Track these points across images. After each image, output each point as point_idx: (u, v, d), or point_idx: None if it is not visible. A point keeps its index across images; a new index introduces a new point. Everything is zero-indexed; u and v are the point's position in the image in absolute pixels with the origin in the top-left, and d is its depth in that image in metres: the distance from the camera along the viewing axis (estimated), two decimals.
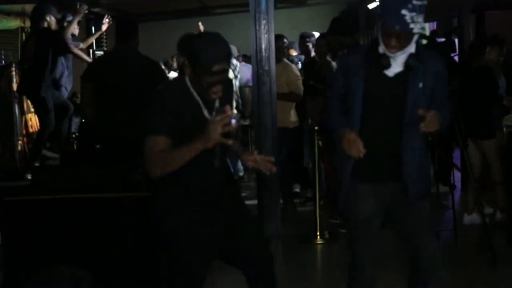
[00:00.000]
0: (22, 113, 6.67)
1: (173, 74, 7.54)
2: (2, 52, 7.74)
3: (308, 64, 6.84)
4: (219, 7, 11.77)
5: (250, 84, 7.43)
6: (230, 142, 2.67)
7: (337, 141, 3.01)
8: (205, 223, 2.83)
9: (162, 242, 2.96)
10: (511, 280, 4.54)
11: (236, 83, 7.60)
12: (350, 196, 3.08)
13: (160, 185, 2.86)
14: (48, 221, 3.67)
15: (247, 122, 7.51)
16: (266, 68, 4.43)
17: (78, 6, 6.52)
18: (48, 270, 1.84)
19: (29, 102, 6.64)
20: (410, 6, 2.74)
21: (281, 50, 6.26)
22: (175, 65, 9.76)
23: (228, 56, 2.77)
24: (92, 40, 7.85)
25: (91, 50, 8.56)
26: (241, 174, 8.04)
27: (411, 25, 2.76)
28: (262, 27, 4.38)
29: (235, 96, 7.22)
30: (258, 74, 4.44)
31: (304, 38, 6.92)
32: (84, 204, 3.66)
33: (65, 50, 6.47)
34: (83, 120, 6.92)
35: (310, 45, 6.78)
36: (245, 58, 9.39)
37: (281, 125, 5.05)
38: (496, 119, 5.78)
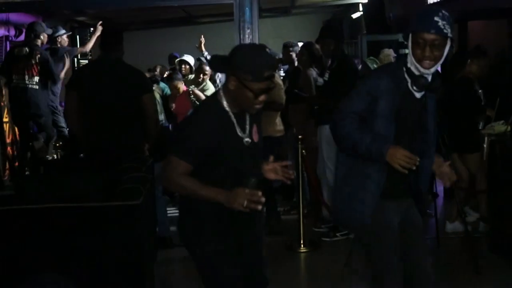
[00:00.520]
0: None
1: (162, 85, 7.55)
2: None
3: (292, 73, 6.87)
4: (204, 16, 11.79)
5: None
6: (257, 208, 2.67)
7: (366, 156, 2.95)
8: (233, 252, 2.89)
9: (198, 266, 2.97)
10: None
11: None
12: (376, 211, 3.05)
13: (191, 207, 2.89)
14: (32, 230, 3.65)
15: None
16: None
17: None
18: (32, 280, 1.84)
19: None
20: (440, 14, 2.85)
21: None
22: (157, 73, 9.74)
23: (274, 63, 2.85)
24: (91, 45, 8.14)
25: (75, 59, 8.60)
26: None
27: (445, 31, 2.84)
28: (247, 36, 4.41)
29: None
30: None
31: (287, 47, 6.93)
32: (67, 213, 3.64)
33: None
34: (68, 129, 6.93)
35: (294, 55, 6.80)
36: None
37: (266, 134, 5.04)
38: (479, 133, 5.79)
